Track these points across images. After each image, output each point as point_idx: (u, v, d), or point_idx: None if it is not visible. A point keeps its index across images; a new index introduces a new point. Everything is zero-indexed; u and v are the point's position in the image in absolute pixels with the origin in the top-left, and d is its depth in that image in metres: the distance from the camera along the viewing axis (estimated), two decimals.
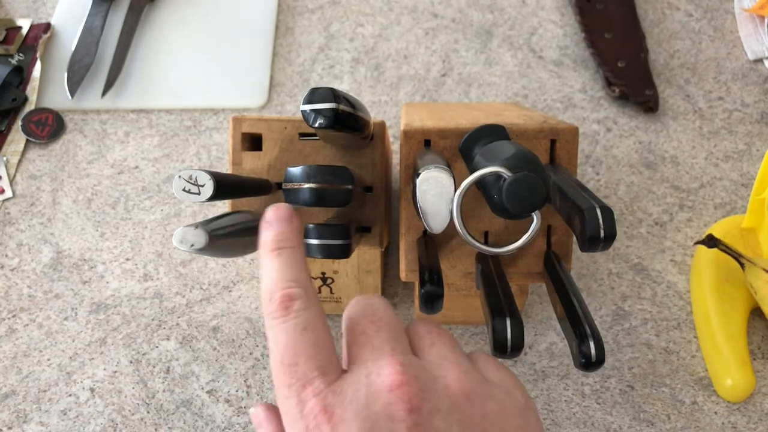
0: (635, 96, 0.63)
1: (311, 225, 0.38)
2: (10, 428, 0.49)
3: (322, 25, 0.70)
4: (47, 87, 0.66)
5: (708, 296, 0.51)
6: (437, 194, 0.34)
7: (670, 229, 0.57)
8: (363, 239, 0.44)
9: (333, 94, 0.34)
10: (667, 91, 0.65)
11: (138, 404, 0.50)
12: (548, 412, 0.49)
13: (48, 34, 0.70)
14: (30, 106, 0.65)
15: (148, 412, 0.50)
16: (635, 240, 0.57)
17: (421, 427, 0.25)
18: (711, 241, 0.51)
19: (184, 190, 0.35)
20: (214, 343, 0.53)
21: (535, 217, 0.33)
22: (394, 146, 0.60)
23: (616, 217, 0.57)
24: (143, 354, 0.52)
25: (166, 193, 0.60)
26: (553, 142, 0.42)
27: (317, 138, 0.44)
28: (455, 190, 0.34)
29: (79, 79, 0.66)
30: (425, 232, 0.44)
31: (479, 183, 0.34)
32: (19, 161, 0.62)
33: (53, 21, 0.71)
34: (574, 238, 0.38)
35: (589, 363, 0.33)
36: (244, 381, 0.51)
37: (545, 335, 0.52)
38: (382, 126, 0.44)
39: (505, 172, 0.32)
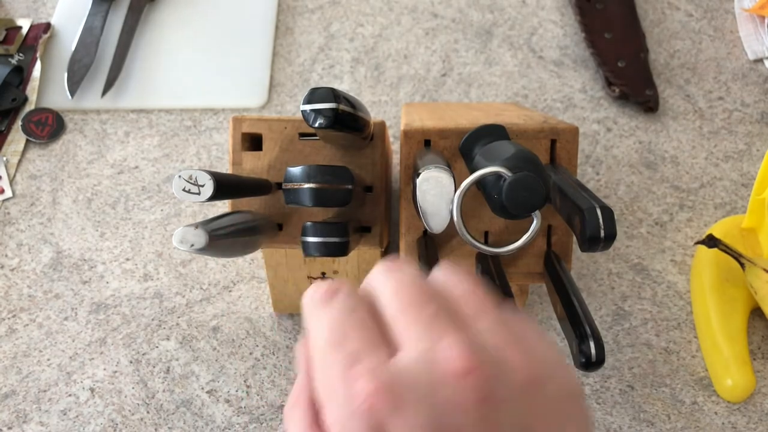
0: (635, 96, 0.63)
1: (309, 223, 0.38)
2: (10, 428, 0.49)
3: (322, 25, 0.70)
4: (47, 87, 0.66)
5: (708, 296, 0.51)
6: (437, 194, 0.34)
7: (671, 229, 0.57)
8: (363, 239, 0.44)
9: (333, 94, 0.34)
10: (667, 91, 0.65)
11: (138, 404, 0.50)
12: None
13: (48, 34, 0.70)
14: (30, 106, 0.65)
15: (148, 412, 0.50)
16: (635, 240, 0.57)
17: (491, 418, 0.23)
18: (711, 241, 0.51)
19: (184, 190, 0.35)
20: (214, 343, 0.53)
21: (535, 217, 0.33)
22: (394, 146, 0.60)
23: (616, 217, 0.57)
24: (143, 354, 0.52)
25: (166, 193, 0.60)
26: (553, 142, 0.42)
27: (317, 138, 0.44)
28: (455, 190, 0.34)
29: (79, 79, 0.66)
30: (425, 232, 0.44)
31: (479, 183, 0.34)
32: (19, 161, 0.62)
33: (53, 21, 0.71)
34: (574, 238, 0.38)
35: (590, 363, 0.33)
36: (244, 381, 0.51)
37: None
38: (382, 126, 0.44)
39: (505, 172, 0.32)
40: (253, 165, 0.45)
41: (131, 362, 0.52)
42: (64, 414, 0.50)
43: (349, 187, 0.38)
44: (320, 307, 0.26)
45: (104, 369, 0.52)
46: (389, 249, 0.52)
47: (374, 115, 0.64)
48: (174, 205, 0.59)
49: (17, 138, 0.63)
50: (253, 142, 0.46)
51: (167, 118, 0.65)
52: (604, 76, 0.64)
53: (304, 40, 0.69)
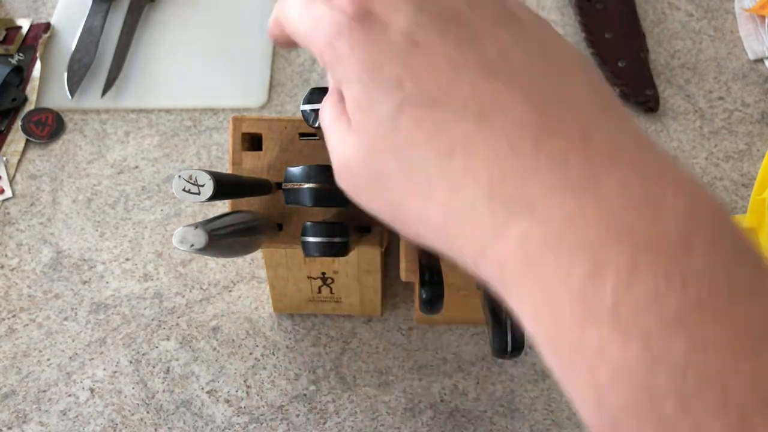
0: (635, 96, 0.63)
1: (309, 223, 0.38)
2: (9, 428, 0.49)
3: None
4: (47, 87, 0.66)
5: None
6: None
7: None
8: (363, 239, 0.44)
9: None
10: (668, 91, 0.65)
11: (138, 404, 0.50)
12: (548, 413, 0.49)
13: (48, 34, 0.70)
14: (30, 106, 0.65)
15: (147, 413, 0.50)
16: None
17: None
18: None
19: (184, 190, 0.35)
20: (214, 344, 0.52)
21: None
22: None
23: None
24: (143, 354, 0.52)
25: (166, 193, 0.60)
26: None
27: (317, 138, 0.44)
28: None
29: (79, 79, 0.66)
30: None
31: None
32: (19, 161, 0.62)
33: (53, 21, 0.71)
34: None
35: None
36: (244, 381, 0.51)
37: None
38: None
39: None
40: (253, 165, 0.45)
41: (131, 362, 0.52)
42: (64, 414, 0.50)
43: None
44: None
45: (104, 369, 0.52)
46: (389, 249, 0.52)
47: None
48: (174, 205, 0.59)
49: (17, 138, 0.63)
50: (253, 142, 0.46)
51: (167, 118, 0.65)
52: (605, 76, 0.64)
53: None
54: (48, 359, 0.52)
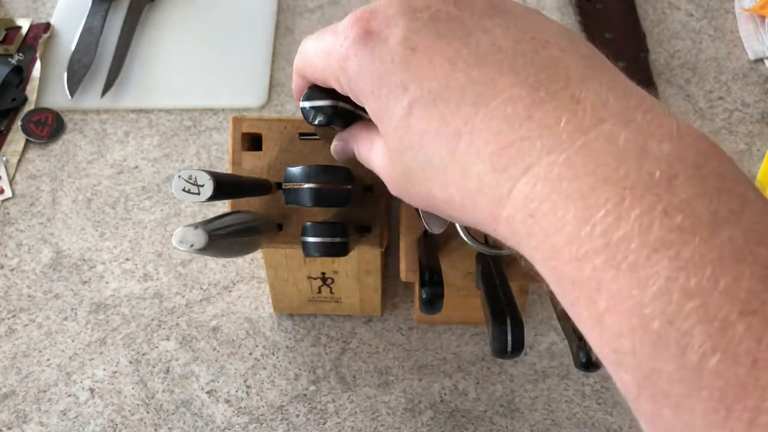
0: None
1: (309, 223, 0.38)
2: (9, 428, 0.49)
3: (322, 25, 0.70)
4: (47, 87, 0.66)
5: None
6: None
7: None
8: (363, 239, 0.44)
9: (332, 92, 0.33)
10: (668, 90, 0.65)
11: (138, 404, 0.50)
12: (548, 413, 0.49)
13: (48, 34, 0.70)
14: (30, 106, 0.65)
15: (147, 413, 0.50)
16: None
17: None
18: None
19: (183, 190, 0.35)
20: (214, 344, 0.52)
21: None
22: None
23: None
24: (143, 354, 0.52)
25: (165, 193, 0.60)
26: None
27: (317, 138, 0.44)
28: None
29: (79, 79, 0.66)
30: (425, 232, 0.44)
31: None
32: (19, 161, 0.62)
33: (53, 21, 0.71)
34: None
35: (590, 363, 0.33)
36: (244, 381, 0.51)
37: (545, 335, 0.52)
38: None
39: None
40: (253, 165, 0.45)
41: (131, 362, 0.52)
42: (64, 414, 0.50)
43: (349, 187, 0.38)
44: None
45: (104, 369, 0.52)
46: (389, 249, 0.52)
47: None
48: (174, 205, 0.59)
49: (17, 138, 0.63)
50: (252, 142, 0.46)
51: (167, 118, 0.64)
52: None
53: None
54: (48, 359, 0.52)
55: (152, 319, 0.54)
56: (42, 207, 0.60)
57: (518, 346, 0.34)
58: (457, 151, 0.24)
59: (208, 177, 0.35)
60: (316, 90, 0.33)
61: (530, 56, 0.24)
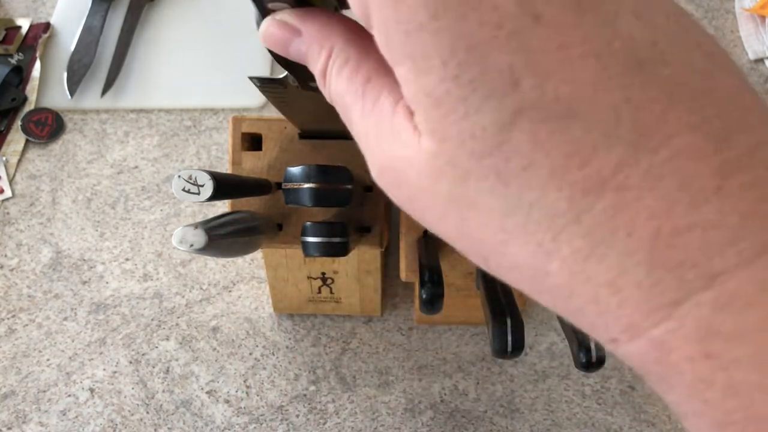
0: None
1: (309, 223, 0.38)
2: (9, 429, 0.49)
3: None
4: (47, 87, 0.66)
5: None
6: None
7: None
8: (363, 239, 0.44)
9: None
10: None
11: (137, 404, 0.50)
12: (549, 413, 0.49)
13: (47, 34, 0.69)
14: (29, 106, 0.65)
15: (147, 413, 0.50)
16: None
17: None
18: None
19: (183, 190, 0.35)
20: (214, 344, 0.52)
21: None
22: None
23: None
24: (143, 354, 0.52)
25: (165, 193, 0.60)
26: None
27: (317, 138, 0.44)
28: None
29: (79, 79, 0.66)
30: (425, 232, 0.44)
31: None
32: (19, 161, 0.62)
33: (53, 20, 0.71)
34: None
35: (590, 363, 0.33)
36: (244, 381, 0.51)
37: (546, 335, 0.52)
38: None
39: None
40: (253, 165, 0.45)
41: (131, 362, 0.52)
42: (64, 414, 0.50)
43: (349, 187, 0.38)
44: None
45: (104, 369, 0.52)
46: (389, 249, 0.52)
47: None
48: (174, 205, 0.59)
49: (17, 138, 0.63)
50: (252, 141, 0.46)
51: (167, 118, 0.64)
52: None
53: None
54: (48, 359, 0.52)
55: (152, 319, 0.54)
56: (42, 207, 0.60)
57: (518, 347, 0.34)
58: (589, 213, 0.15)
59: (208, 177, 0.35)
60: None
61: (701, 81, 0.16)
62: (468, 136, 0.16)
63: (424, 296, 0.38)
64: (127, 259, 0.57)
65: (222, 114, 0.65)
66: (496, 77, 0.15)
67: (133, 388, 0.51)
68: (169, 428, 0.49)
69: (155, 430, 0.49)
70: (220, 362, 0.52)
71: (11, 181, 0.61)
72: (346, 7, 0.19)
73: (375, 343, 0.52)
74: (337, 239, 0.38)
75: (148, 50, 0.69)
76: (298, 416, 0.49)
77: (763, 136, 0.15)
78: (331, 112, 0.21)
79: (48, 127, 0.63)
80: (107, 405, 0.50)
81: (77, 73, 0.66)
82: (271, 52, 0.22)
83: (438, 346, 0.52)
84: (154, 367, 0.52)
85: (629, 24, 0.15)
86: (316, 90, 0.23)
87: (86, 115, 0.65)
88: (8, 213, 0.59)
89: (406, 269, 0.44)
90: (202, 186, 0.35)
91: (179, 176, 0.35)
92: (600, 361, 0.33)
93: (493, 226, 0.17)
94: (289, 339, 0.53)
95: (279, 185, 0.43)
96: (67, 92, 0.65)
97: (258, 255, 0.55)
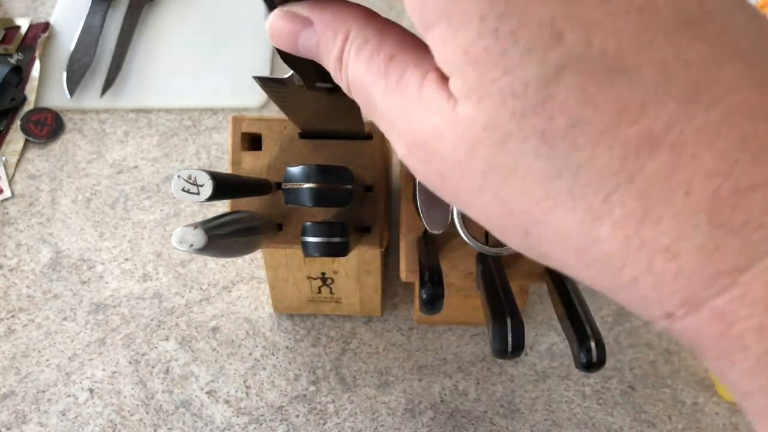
0: None
1: (308, 223, 0.38)
2: (9, 429, 0.49)
3: None
4: (46, 86, 0.66)
5: None
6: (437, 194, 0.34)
7: None
8: (363, 239, 0.44)
9: None
10: None
11: (137, 405, 0.50)
12: (549, 413, 0.49)
13: (47, 34, 0.69)
14: (29, 106, 0.65)
15: (147, 413, 0.50)
16: None
17: None
18: None
19: (183, 190, 0.35)
20: (214, 344, 0.52)
21: None
22: None
23: None
24: (142, 354, 0.52)
25: (165, 193, 0.60)
26: None
27: (317, 138, 0.44)
28: None
29: (78, 79, 0.65)
30: (425, 232, 0.44)
31: None
32: (18, 161, 0.62)
33: (52, 20, 0.71)
34: None
35: (590, 363, 0.33)
36: (244, 381, 0.51)
37: (546, 336, 0.52)
38: None
39: None
40: (253, 165, 0.45)
41: (130, 363, 0.52)
42: (63, 414, 0.50)
43: (349, 187, 0.38)
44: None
45: (103, 369, 0.51)
46: (389, 249, 0.52)
47: None
48: (173, 205, 0.59)
49: (16, 138, 0.63)
50: (252, 141, 0.46)
51: (166, 118, 0.64)
52: None
53: None
54: (47, 360, 0.52)
55: (152, 320, 0.54)
56: (41, 207, 0.59)
57: (518, 347, 0.34)
58: (641, 174, 0.14)
59: (208, 177, 0.35)
60: None
61: (752, 37, 0.15)
62: (509, 94, 0.15)
63: (424, 296, 0.38)
64: (126, 259, 0.57)
65: (222, 114, 0.64)
66: (537, 30, 0.14)
67: (132, 389, 0.51)
68: (168, 428, 0.49)
69: (155, 430, 0.49)
70: (220, 362, 0.51)
71: (11, 181, 0.61)
72: None
73: (375, 344, 0.52)
74: (337, 239, 0.38)
75: (147, 50, 0.69)
76: (298, 416, 0.49)
77: None
78: (333, 111, 0.22)
79: (47, 126, 0.63)
80: (107, 405, 0.50)
81: (77, 72, 0.66)
82: (278, 50, 0.22)
83: (438, 347, 0.52)
84: (153, 368, 0.51)
85: None
86: (322, 90, 0.23)
87: (86, 115, 0.65)
88: (7, 213, 0.59)
89: (406, 269, 0.44)
90: (202, 186, 0.35)
91: (179, 176, 0.35)
92: (600, 362, 0.33)
93: (536, 192, 0.16)
94: (289, 339, 0.52)
95: (279, 185, 0.43)
96: (67, 92, 0.65)
97: (258, 255, 0.55)
